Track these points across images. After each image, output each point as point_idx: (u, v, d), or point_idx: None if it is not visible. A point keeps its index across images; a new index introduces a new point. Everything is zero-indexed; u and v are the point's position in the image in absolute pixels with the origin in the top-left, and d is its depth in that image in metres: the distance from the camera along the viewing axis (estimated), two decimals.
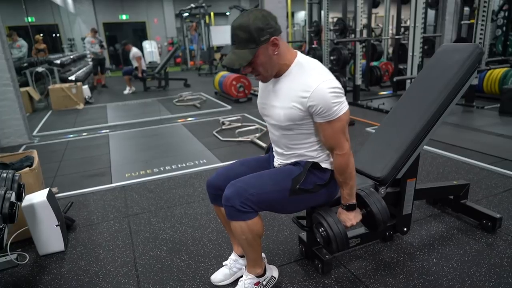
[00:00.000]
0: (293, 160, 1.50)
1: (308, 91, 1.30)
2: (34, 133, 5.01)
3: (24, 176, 2.12)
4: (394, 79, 5.20)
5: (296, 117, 1.37)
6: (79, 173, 3.33)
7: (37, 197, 1.97)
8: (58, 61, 7.28)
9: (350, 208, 1.49)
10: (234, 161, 1.67)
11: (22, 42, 7.65)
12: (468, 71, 1.74)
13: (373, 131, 4.19)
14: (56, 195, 2.80)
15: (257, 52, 1.30)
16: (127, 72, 8.36)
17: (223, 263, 1.75)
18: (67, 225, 2.28)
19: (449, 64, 1.82)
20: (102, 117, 5.89)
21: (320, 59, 7.10)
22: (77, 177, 3.24)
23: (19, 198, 1.77)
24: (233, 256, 1.72)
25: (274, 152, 1.61)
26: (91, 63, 10.55)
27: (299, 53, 1.42)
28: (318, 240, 1.58)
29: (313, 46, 7.43)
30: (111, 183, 3.03)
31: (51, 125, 5.53)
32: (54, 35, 11.65)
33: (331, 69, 6.52)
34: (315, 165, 1.47)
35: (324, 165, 1.48)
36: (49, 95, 6.81)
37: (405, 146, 1.76)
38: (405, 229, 1.95)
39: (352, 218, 1.50)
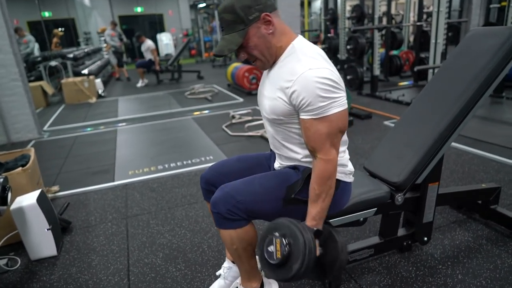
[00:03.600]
0: (291, 164, 1.31)
1: (291, 79, 1.09)
2: (45, 128, 4.99)
3: (16, 177, 2.01)
4: (415, 69, 4.88)
5: (280, 111, 1.17)
6: (83, 170, 3.24)
7: (27, 200, 1.86)
8: (71, 55, 7.25)
9: (316, 234, 1.13)
10: (231, 157, 1.50)
11: (29, 38, 7.58)
12: (504, 58, 1.49)
13: (392, 125, 3.93)
14: (57, 194, 2.72)
15: (247, 34, 1.12)
16: (140, 65, 8.28)
17: (217, 273, 1.60)
18: (62, 228, 2.17)
19: (480, 50, 1.58)
20: (113, 111, 5.82)
21: (336, 48, 6.81)
22: (80, 174, 3.15)
23: (4, 202, 1.66)
24: (226, 263, 1.55)
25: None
26: (106, 56, 10.59)
27: (299, 36, 1.22)
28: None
29: (329, 35, 7.12)
30: (114, 181, 2.92)
31: (62, 119, 5.50)
32: (70, 29, 11.71)
33: (347, 59, 6.24)
34: None
35: None
36: (62, 89, 6.80)
37: (427, 147, 1.54)
38: (426, 238, 1.74)
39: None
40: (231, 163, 1.44)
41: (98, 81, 7.40)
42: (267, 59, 1.19)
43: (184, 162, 3.23)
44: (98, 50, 10.96)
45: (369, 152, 3.16)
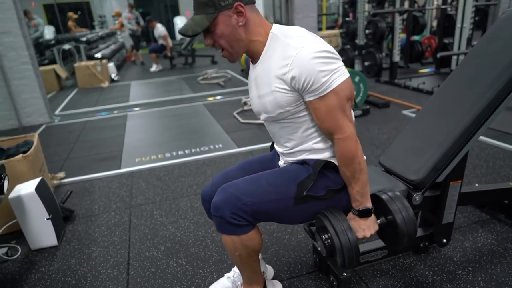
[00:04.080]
0: (299, 158, 1.19)
1: (286, 63, 1.01)
2: (57, 112, 4.98)
3: (16, 164, 1.96)
4: (438, 55, 4.61)
5: (284, 102, 1.06)
6: (90, 156, 3.19)
7: (26, 188, 1.80)
8: (84, 38, 7.20)
9: (363, 214, 1.14)
10: (233, 166, 1.37)
11: (38, 21, 7.49)
12: None
13: (411, 114, 3.73)
14: (62, 181, 2.67)
15: (216, 19, 1.03)
16: (154, 50, 8.19)
17: (226, 275, 1.50)
18: (65, 216, 2.13)
19: None
20: (125, 95, 5.77)
21: (354, 33, 6.54)
22: (87, 160, 3.11)
23: (0, 191, 1.60)
24: (237, 268, 1.46)
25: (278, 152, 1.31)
26: (121, 40, 10.53)
27: (275, 25, 1.11)
28: (320, 249, 1.28)
29: (348, 19, 6.84)
30: (120, 168, 2.86)
31: (74, 103, 5.49)
32: (84, 12, 11.69)
33: (366, 45, 5.98)
34: (328, 165, 1.15)
35: None
36: (75, 73, 6.79)
37: (450, 141, 1.39)
38: (445, 240, 1.60)
39: (365, 227, 1.14)
40: (234, 173, 1.31)
41: (111, 65, 7.35)
42: (235, 51, 1.10)
43: (193, 150, 3.14)
44: (113, 34, 10.90)
45: (386, 144, 3.00)
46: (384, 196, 1.20)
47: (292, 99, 1.06)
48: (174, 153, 3.10)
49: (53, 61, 7.10)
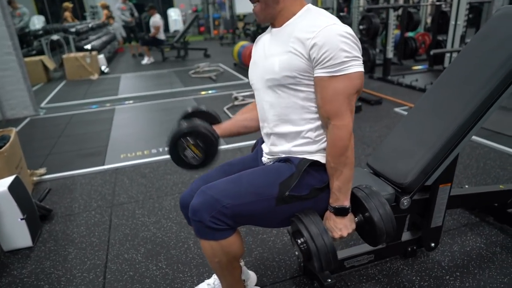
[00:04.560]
0: (284, 148, 1.13)
1: (313, 31, 0.99)
2: (43, 105, 4.85)
3: None
4: (431, 52, 4.56)
5: (295, 65, 1.02)
6: (74, 152, 3.10)
7: None
8: (73, 29, 7.03)
9: (339, 212, 1.07)
10: (213, 169, 1.30)
11: (23, 10, 7.17)
12: None
13: (403, 112, 3.69)
14: (43, 177, 2.58)
15: None
16: (145, 42, 8.04)
17: (206, 282, 1.43)
18: (42, 216, 2.04)
19: (510, 33, 1.34)
20: (114, 88, 5.65)
21: None
22: (71, 156, 3.01)
23: None
24: None
25: (262, 143, 1.24)
26: (112, 31, 10.33)
27: (309, 4, 1.10)
28: (297, 253, 1.22)
29: (342, 14, 6.76)
30: (104, 164, 2.77)
31: (61, 96, 5.36)
32: (75, 2, 11.44)
33: (360, 40, 5.89)
34: (313, 164, 1.09)
35: (325, 159, 1.10)
36: (63, 65, 6.63)
37: (441, 143, 1.33)
38: (433, 244, 1.56)
39: (341, 227, 1.08)
40: (214, 177, 1.22)
41: (101, 57, 7.20)
42: (267, 11, 1.07)
43: None
44: (104, 25, 10.68)
45: (377, 142, 2.95)
46: (359, 194, 1.14)
47: (304, 66, 1.01)
48: (160, 149, 3.02)
49: (41, 52, 6.93)
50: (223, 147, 3.00)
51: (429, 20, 8.26)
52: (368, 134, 3.15)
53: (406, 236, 1.57)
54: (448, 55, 4.88)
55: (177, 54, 8.41)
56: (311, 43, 0.97)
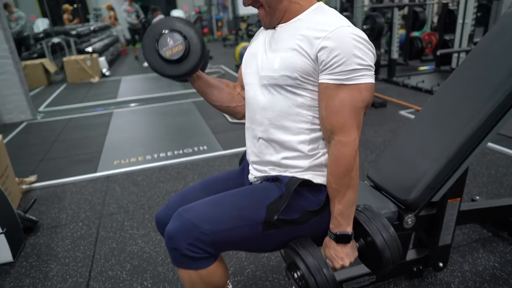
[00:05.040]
0: (273, 159, 1.00)
1: (325, 30, 0.87)
2: (41, 108, 4.79)
3: None
4: (438, 52, 4.41)
5: (299, 65, 0.89)
6: (67, 158, 3.01)
7: None
8: (75, 32, 6.98)
9: (341, 239, 0.94)
10: (194, 183, 1.18)
11: (19, 14, 7.07)
12: None
13: (408, 115, 3.54)
14: (33, 185, 2.49)
15: None
16: None
17: None
18: (27, 228, 1.94)
19: None
20: (113, 91, 5.57)
21: None
22: (64, 162, 2.92)
23: None
24: None
25: (248, 158, 1.11)
26: (115, 34, 10.29)
27: (321, 2, 0.98)
28: None
29: (345, 13, 6.62)
30: (96, 172, 2.67)
31: (61, 99, 5.29)
32: (78, 5, 11.43)
33: None
34: (305, 183, 0.97)
35: (319, 179, 0.98)
36: (64, 68, 6.58)
37: (450, 153, 1.20)
38: (441, 264, 1.43)
39: (343, 256, 0.95)
40: (194, 193, 1.11)
41: (102, 59, 7.14)
42: (272, 10, 0.95)
43: (175, 152, 2.96)
44: (107, 27, 10.65)
45: (381, 148, 2.81)
46: (360, 216, 1.01)
47: (308, 68, 0.89)
48: (155, 155, 2.91)
49: (42, 55, 6.89)
50: (218, 153, 2.89)
51: (435, 19, 8.07)
52: (372, 138, 3.01)
53: (411, 254, 1.44)
54: (455, 55, 4.72)
55: None
56: (321, 44, 0.85)
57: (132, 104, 4.70)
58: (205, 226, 0.91)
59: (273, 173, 1.01)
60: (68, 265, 1.69)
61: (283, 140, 0.97)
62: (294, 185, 0.94)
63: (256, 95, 1.00)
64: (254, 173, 1.06)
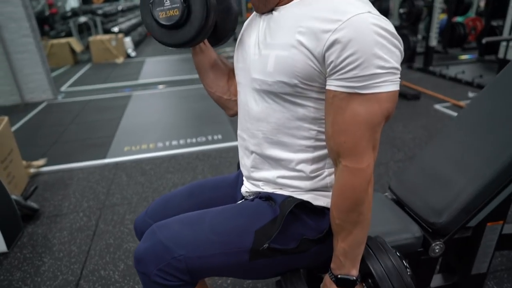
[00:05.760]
0: (267, 174, 0.82)
1: (337, 20, 0.63)
2: (64, 88, 4.80)
3: None
4: (484, 40, 3.98)
5: (296, 67, 0.68)
6: (79, 141, 2.95)
7: None
8: (101, 11, 6.94)
9: (344, 283, 0.74)
10: (180, 188, 1.01)
11: None
12: None
13: (444, 110, 3.22)
14: (41, 169, 2.44)
15: None
16: None
17: None
18: (26, 216, 1.88)
19: None
20: (135, 73, 5.50)
21: (386, 12, 5.88)
22: (75, 146, 2.86)
23: None
24: None
25: (241, 168, 0.93)
26: None
27: None
28: None
29: None
30: (105, 157, 2.59)
31: (84, 79, 5.29)
32: None
33: (400, 26, 5.34)
34: (303, 205, 0.78)
35: (322, 200, 0.79)
36: (89, 47, 6.59)
37: (494, 171, 0.97)
38: None
39: None
40: (177, 201, 0.95)
41: (128, 40, 7.09)
42: None
43: (188, 141, 2.82)
44: (136, 7, 10.62)
45: (410, 146, 2.54)
46: (368, 253, 0.81)
47: (312, 71, 0.67)
48: (167, 143, 2.79)
49: (70, 34, 6.93)
50: (233, 143, 2.72)
51: (482, 3, 7.41)
52: (400, 135, 2.74)
53: (437, 280, 1.23)
54: (504, 43, 4.25)
55: None
56: (331, 39, 0.62)
57: (152, 87, 4.60)
58: (178, 251, 0.75)
59: (267, 189, 0.83)
60: (61, 260, 1.60)
61: (280, 158, 0.78)
62: (290, 207, 0.76)
63: (248, 100, 0.81)
64: (247, 186, 0.89)
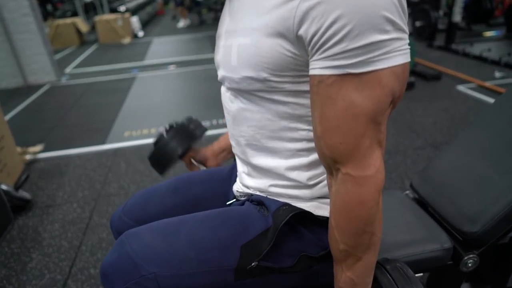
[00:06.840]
0: (260, 183, 0.66)
1: None
2: (69, 70, 4.68)
3: None
4: None
5: (261, 56, 0.51)
6: (79, 126, 2.83)
7: None
8: None
9: None
10: (167, 181, 0.87)
11: None
12: None
13: (468, 91, 2.96)
14: (38, 156, 2.33)
15: None
16: (180, 3, 7.59)
17: None
18: (17, 207, 1.78)
19: None
20: (141, 54, 5.34)
21: None
22: (75, 131, 2.75)
23: None
24: None
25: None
26: None
27: None
28: None
29: None
30: (104, 143, 2.47)
31: (89, 61, 5.16)
32: None
33: (420, 1, 4.99)
34: (302, 215, 0.62)
35: (325, 209, 0.62)
36: (95, 28, 6.43)
37: None
38: None
39: None
40: (160, 196, 0.81)
41: (135, 19, 6.89)
42: None
43: None
44: None
45: (431, 131, 2.33)
46: (383, 279, 0.64)
47: (284, 59, 0.50)
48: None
49: (76, 14, 6.77)
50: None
51: None
52: (420, 119, 2.52)
53: None
54: None
55: (215, 16, 7.90)
56: (302, 8, 0.45)
57: (158, 68, 4.44)
58: (148, 268, 0.61)
59: (260, 193, 0.67)
60: (50, 256, 1.49)
61: (269, 168, 0.63)
62: (285, 217, 0.60)
63: (225, 102, 0.66)
64: (239, 186, 0.73)
